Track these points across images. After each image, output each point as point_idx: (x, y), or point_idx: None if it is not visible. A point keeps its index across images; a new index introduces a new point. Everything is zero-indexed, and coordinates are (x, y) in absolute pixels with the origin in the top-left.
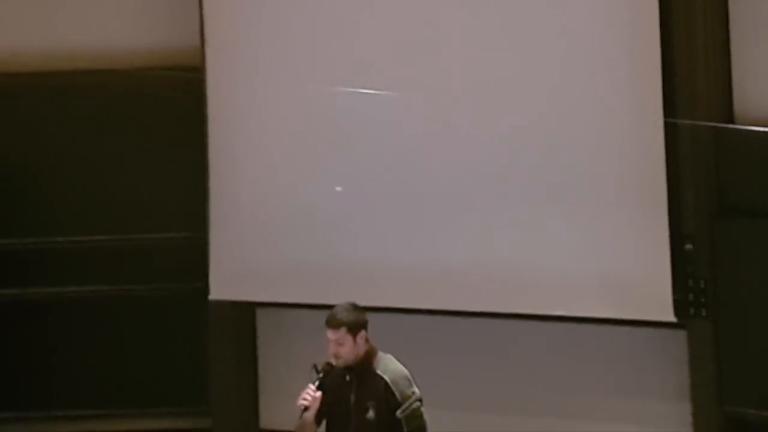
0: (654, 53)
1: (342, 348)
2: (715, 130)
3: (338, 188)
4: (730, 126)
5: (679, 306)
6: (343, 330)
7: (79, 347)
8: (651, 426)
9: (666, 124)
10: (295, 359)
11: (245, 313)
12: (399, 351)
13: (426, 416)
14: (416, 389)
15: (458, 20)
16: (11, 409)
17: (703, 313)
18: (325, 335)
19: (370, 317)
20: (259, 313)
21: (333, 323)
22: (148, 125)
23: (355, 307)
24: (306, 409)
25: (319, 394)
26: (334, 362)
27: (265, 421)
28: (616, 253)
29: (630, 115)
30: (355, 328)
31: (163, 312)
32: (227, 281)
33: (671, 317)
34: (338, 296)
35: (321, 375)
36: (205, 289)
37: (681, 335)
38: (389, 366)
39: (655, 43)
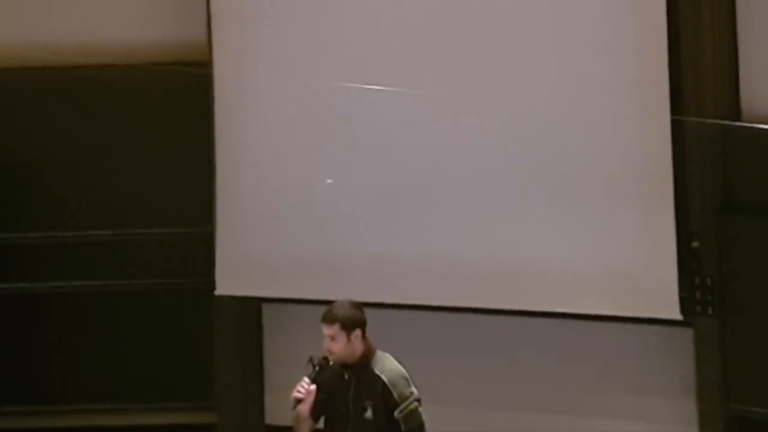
0: (661, 50)
1: (335, 344)
2: (722, 127)
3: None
4: (737, 123)
5: (685, 304)
6: (336, 326)
7: (84, 342)
8: (657, 424)
9: (673, 122)
10: (300, 355)
11: (251, 308)
12: (403, 347)
13: (424, 416)
14: (414, 389)
15: (463, 17)
16: (16, 404)
17: (710, 311)
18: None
19: (374, 313)
20: (265, 308)
21: (328, 318)
22: (155, 120)
23: (354, 305)
24: (299, 401)
25: (313, 387)
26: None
27: (270, 417)
28: (623, 250)
29: (637, 113)
30: (350, 325)
31: (169, 307)
32: (233, 276)
33: (677, 315)
34: (344, 292)
35: (317, 369)
36: (211, 285)
37: (687, 333)
38: (387, 365)
39: (662, 40)
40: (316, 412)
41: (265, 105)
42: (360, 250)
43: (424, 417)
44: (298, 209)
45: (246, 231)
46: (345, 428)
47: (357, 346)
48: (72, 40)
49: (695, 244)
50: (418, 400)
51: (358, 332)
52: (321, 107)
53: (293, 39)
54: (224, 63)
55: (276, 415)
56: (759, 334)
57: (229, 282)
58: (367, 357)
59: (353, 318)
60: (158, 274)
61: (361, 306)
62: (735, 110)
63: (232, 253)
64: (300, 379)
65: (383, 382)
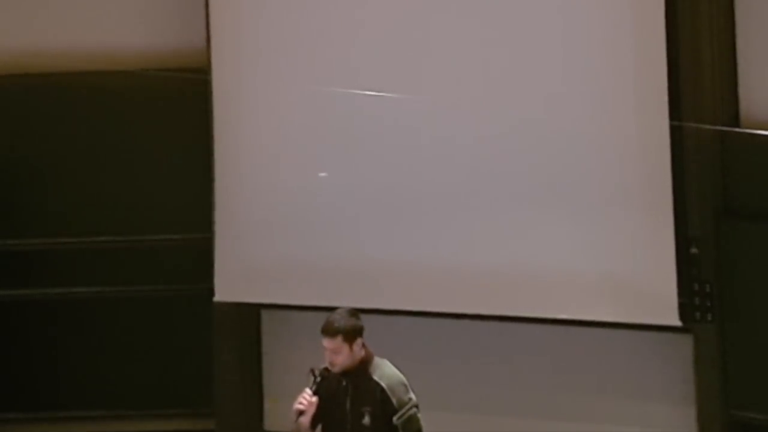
0: (660, 56)
1: (338, 357)
2: (721, 133)
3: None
4: (736, 129)
5: (684, 310)
6: (339, 338)
7: (83, 348)
8: (656, 430)
9: (671, 127)
10: (299, 361)
11: (250, 314)
12: (402, 353)
13: (422, 422)
14: (413, 395)
15: (464, 22)
16: (16, 410)
17: (709, 318)
18: (322, 342)
19: (373, 319)
20: (264, 314)
21: (329, 331)
22: (154, 126)
23: (352, 314)
24: (301, 413)
25: (315, 399)
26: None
27: (269, 423)
28: (622, 256)
29: (636, 118)
30: (352, 335)
31: (167, 313)
32: (232, 283)
33: (677, 321)
34: (343, 298)
35: (318, 380)
36: (210, 291)
37: (686, 339)
38: (386, 371)
39: (660, 46)
40: (314, 420)
41: (264, 111)
42: (358, 256)
43: (422, 423)
44: (297, 216)
45: (245, 237)
46: None
47: (358, 355)
48: (71, 47)
49: (694, 250)
50: (417, 406)
51: (359, 341)
52: (319, 113)
53: (291, 45)
54: (223, 69)
55: (275, 422)
56: (758, 340)
57: (228, 288)
58: (365, 363)
59: (354, 328)
60: (157, 280)
61: (357, 313)
62: (733, 116)
63: (231, 260)
64: (299, 385)
65: (382, 389)
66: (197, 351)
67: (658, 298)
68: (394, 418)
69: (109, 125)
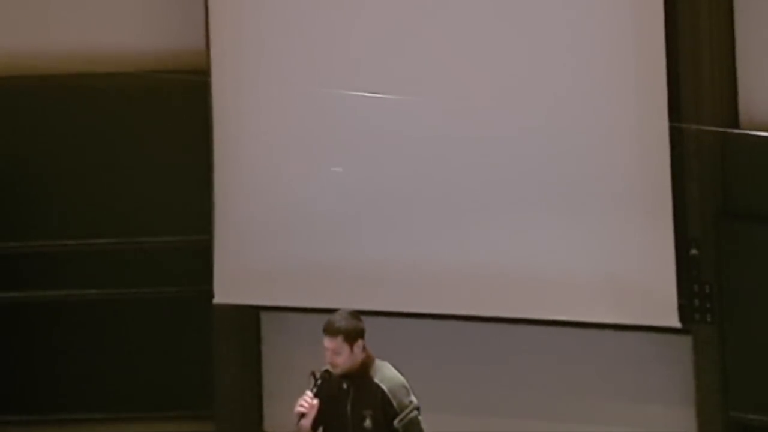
0: (659, 58)
1: (339, 357)
2: (720, 134)
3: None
4: (735, 131)
5: (684, 311)
6: (340, 338)
7: (83, 350)
8: (656, 431)
9: (671, 129)
10: (298, 363)
11: (249, 316)
12: (402, 355)
13: (424, 425)
14: (414, 398)
15: (465, 24)
16: (15, 413)
17: (708, 319)
18: (323, 342)
19: (373, 321)
20: (264, 316)
21: (330, 331)
22: (153, 128)
23: (354, 316)
24: (302, 416)
25: (316, 401)
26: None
27: (268, 425)
28: (621, 258)
29: (635, 120)
30: (353, 336)
31: (167, 315)
32: (232, 285)
33: (676, 323)
34: (342, 300)
35: (319, 382)
36: (210, 293)
37: (686, 340)
38: (387, 374)
39: (660, 48)
40: (315, 423)
41: (263, 113)
42: (358, 258)
43: (424, 425)
44: (297, 218)
45: (244, 239)
46: None
47: (358, 357)
48: (71, 49)
49: (694, 251)
50: (418, 409)
51: (360, 343)
52: (319, 114)
53: (291, 46)
54: (222, 71)
55: (274, 423)
56: (758, 341)
57: (227, 290)
58: (366, 366)
59: (355, 329)
60: (157, 282)
61: (359, 315)
62: (733, 117)
63: (230, 262)
64: (299, 387)
65: (383, 392)
66: (197, 353)
67: (658, 300)
68: (395, 421)
69: (109, 127)
